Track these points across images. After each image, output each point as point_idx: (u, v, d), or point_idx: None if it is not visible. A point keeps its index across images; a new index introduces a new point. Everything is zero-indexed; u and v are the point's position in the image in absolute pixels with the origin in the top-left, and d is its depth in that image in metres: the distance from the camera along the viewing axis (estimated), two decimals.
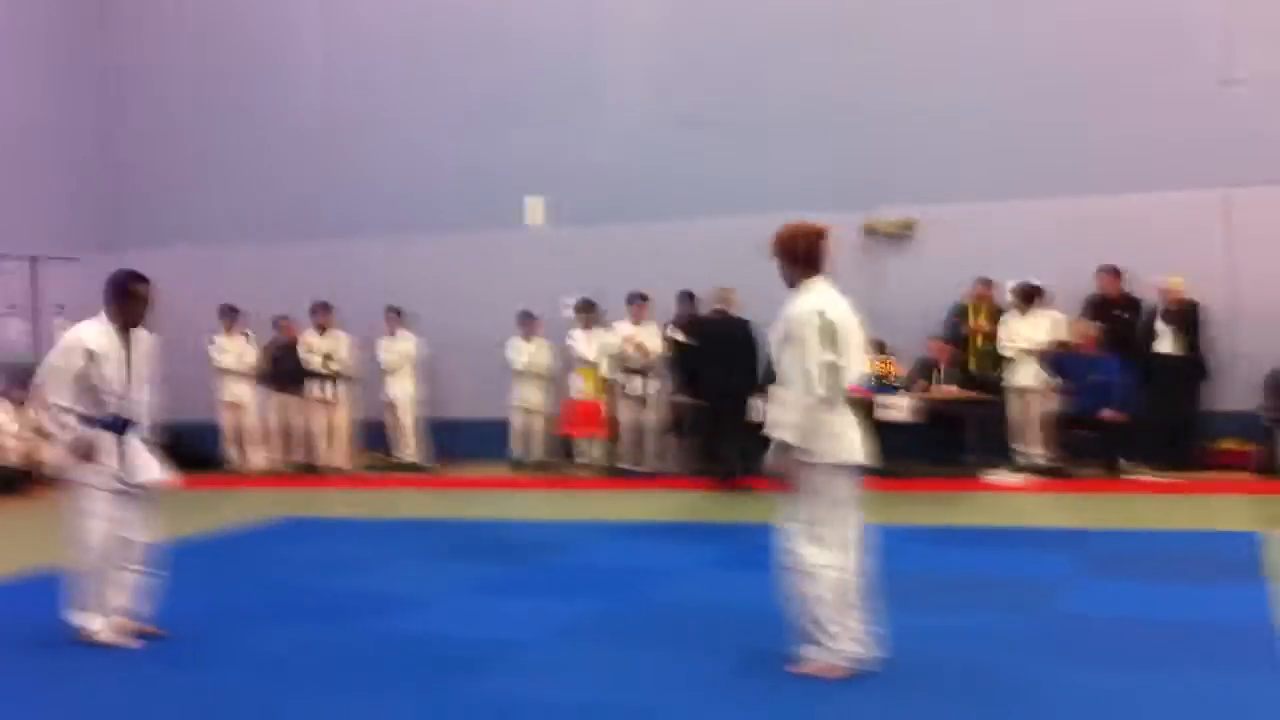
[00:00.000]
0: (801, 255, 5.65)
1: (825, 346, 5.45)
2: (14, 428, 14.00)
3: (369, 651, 6.38)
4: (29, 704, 5.71)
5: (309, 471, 14.83)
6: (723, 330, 12.38)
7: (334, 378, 14.76)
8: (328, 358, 14.72)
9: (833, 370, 5.46)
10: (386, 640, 6.58)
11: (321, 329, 14.84)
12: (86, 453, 6.47)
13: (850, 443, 5.55)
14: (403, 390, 14.80)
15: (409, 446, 14.85)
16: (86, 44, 16.58)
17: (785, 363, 5.54)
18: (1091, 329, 12.46)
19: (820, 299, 5.57)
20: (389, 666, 6.06)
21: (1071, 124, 13.29)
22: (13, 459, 13.73)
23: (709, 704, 5.32)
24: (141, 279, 6.75)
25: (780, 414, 5.51)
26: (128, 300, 6.62)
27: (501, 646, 6.32)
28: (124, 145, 16.67)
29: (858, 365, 5.68)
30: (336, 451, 14.87)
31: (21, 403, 14.13)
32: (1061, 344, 12.61)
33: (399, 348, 14.82)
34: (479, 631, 6.70)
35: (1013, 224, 13.33)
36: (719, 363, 12.20)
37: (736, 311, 12.37)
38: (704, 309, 13.09)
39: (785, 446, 5.49)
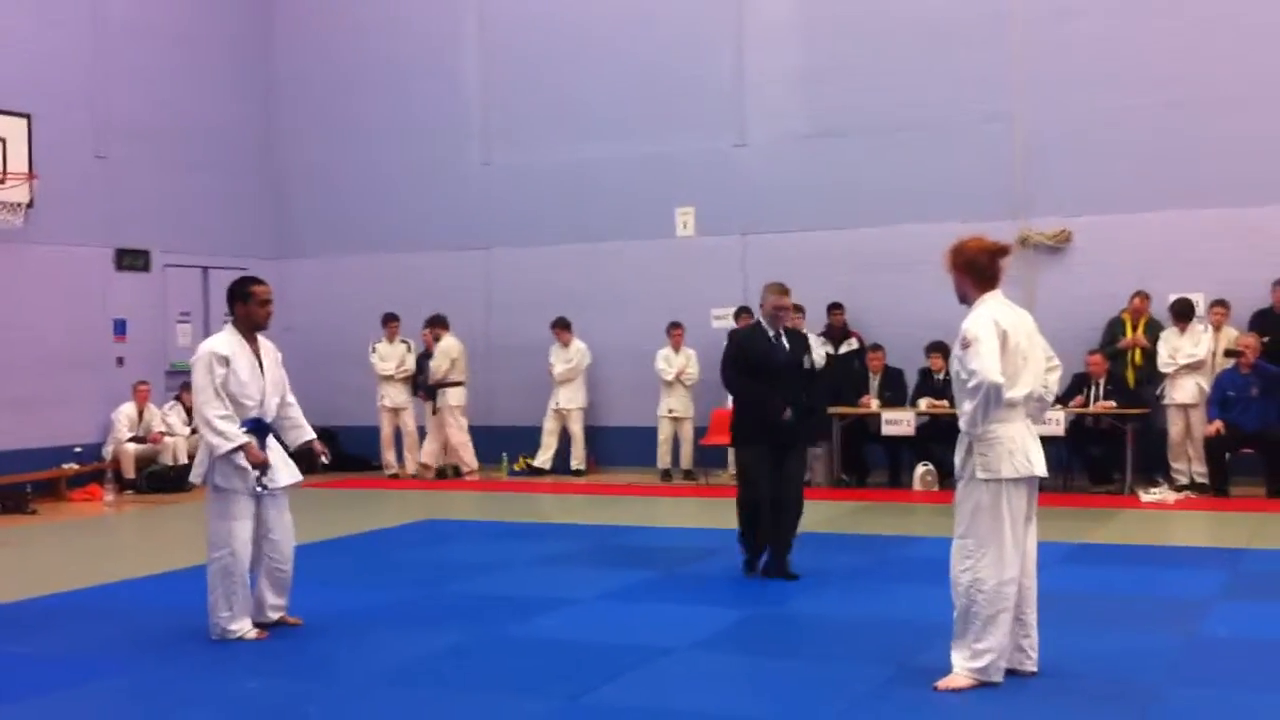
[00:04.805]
0: (982, 270, 5.64)
1: (1001, 357, 5.42)
2: (185, 430, 14.63)
3: (506, 655, 6.48)
4: (164, 701, 5.83)
5: (456, 475, 15.18)
6: (758, 347, 8.51)
7: (440, 386, 14.98)
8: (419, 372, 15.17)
9: (1010, 382, 5.42)
10: (523, 644, 6.69)
11: (435, 338, 15.10)
12: (263, 460, 6.69)
13: (1023, 457, 5.50)
14: (573, 399, 15.09)
15: (578, 454, 15.11)
16: (256, 55, 17.10)
17: (960, 376, 5.55)
18: (1254, 341, 12.07)
19: (996, 311, 5.56)
20: (527, 670, 6.17)
21: (1233, 133, 12.84)
22: (183, 459, 14.34)
23: (847, 716, 5.29)
24: (258, 281, 6.93)
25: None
26: (247, 302, 6.81)
27: (640, 653, 6.37)
28: (290, 154, 17.20)
29: (1035, 378, 5.61)
30: (462, 455, 15.13)
31: (190, 406, 14.75)
32: (1229, 352, 12.27)
33: (572, 357, 15.12)
34: (617, 638, 6.78)
35: (1171, 235, 13.00)
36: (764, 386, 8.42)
37: (793, 323, 9.13)
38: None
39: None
